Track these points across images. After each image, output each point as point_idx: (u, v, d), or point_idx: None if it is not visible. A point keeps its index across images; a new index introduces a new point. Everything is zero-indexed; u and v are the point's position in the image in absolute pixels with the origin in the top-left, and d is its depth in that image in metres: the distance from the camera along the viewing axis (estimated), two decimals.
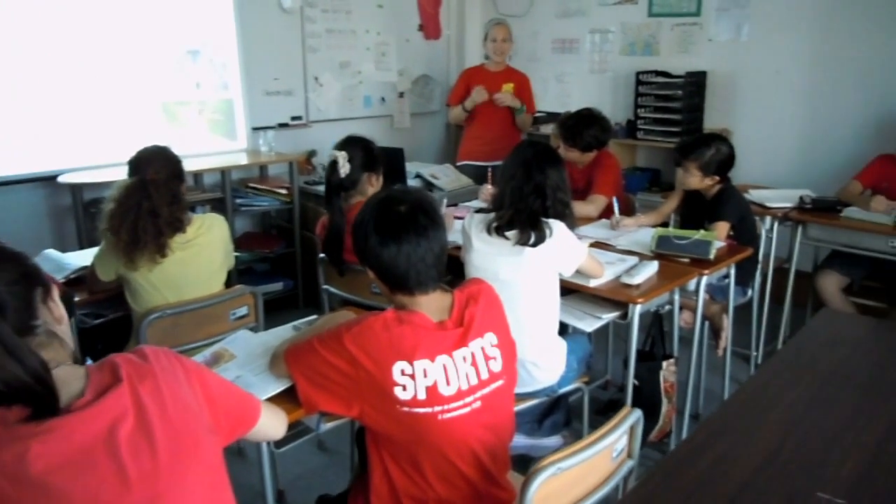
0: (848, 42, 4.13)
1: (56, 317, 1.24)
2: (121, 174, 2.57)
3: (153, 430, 1.15)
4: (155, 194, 2.33)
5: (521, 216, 2.27)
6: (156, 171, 2.38)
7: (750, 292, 3.37)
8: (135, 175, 2.41)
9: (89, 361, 1.26)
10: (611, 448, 1.55)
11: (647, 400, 2.75)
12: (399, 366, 1.52)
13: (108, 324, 2.59)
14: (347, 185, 2.68)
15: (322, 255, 2.85)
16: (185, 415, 1.21)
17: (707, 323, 3.25)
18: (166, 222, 2.35)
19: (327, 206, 2.74)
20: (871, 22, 4.03)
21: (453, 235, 2.86)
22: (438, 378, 1.54)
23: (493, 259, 2.32)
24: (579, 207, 3.22)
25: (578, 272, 2.43)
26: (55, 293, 1.25)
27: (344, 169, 2.65)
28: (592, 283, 2.50)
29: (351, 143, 2.74)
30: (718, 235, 2.95)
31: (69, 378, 1.15)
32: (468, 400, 1.58)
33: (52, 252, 2.84)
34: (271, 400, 1.68)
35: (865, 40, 4.06)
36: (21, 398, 1.07)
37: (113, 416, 1.12)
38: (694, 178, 3.11)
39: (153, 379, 1.19)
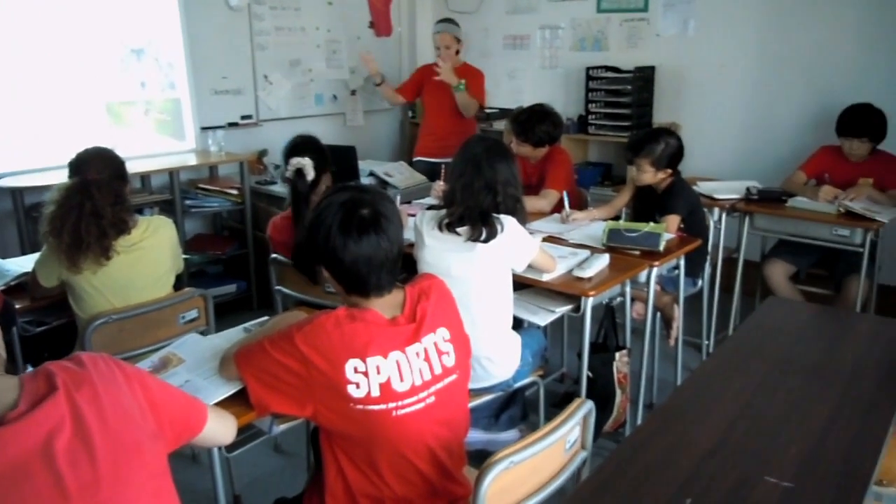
0: (791, 36, 4.24)
1: None
2: (64, 177, 2.51)
3: (92, 439, 1.12)
4: (97, 195, 2.27)
5: (472, 212, 2.27)
6: (97, 171, 2.33)
7: (700, 282, 3.44)
8: (76, 176, 2.35)
9: (30, 369, 1.22)
10: (564, 440, 1.57)
11: (602, 391, 2.79)
12: (352, 363, 1.50)
13: (52, 331, 2.52)
14: (311, 189, 2.66)
15: (274, 255, 2.82)
16: (125, 422, 1.18)
17: (658, 314, 3.30)
18: (110, 223, 2.29)
19: (296, 216, 2.69)
20: (813, 16, 4.14)
21: (406, 233, 2.85)
22: (392, 374, 1.53)
23: (445, 255, 2.32)
24: (532, 202, 3.24)
25: (531, 267, 2.44)
26: None
27: (310, 176, 2.64)
28: (545, 278, 2.51)
29: (307, 147, 2.72)
30: (669, 228, 2.99)
31: (1, 389, 1.11)
32: (422, 395, 1.57)
33: None
34: (222, 403, 1.66)
35: (807, 35, 4.18)
36: None
37: (49, 427, 1.09)
38: (647, 174, 3.16)
39: (91, 386, 1.16)
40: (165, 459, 1.27)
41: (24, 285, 2.51)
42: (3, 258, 2.81)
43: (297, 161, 2.66)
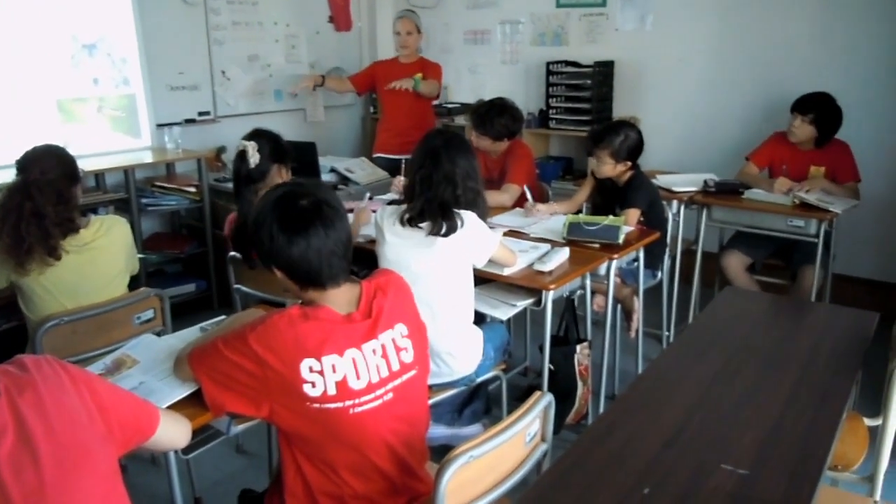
0: (747, 30, 4.31)
1: None
2: (11, 177, 2.43)
3: (36, 445, 1.09)
4: (37, 195, 2.21)
5: (432, 206, 2.26)
6: (42, 171, 2.27)
7: (659, 274, 3.48)
8: (21, 175, 2.29)
9: None
10: (524, 433, 1.57)
11: (563, 384, 2.80)
12: (307, 363, 1.49)
13: (2, 334, 2.45)
14: (256, 176, 2.61)
15: (232, 252, 2.78)
16: (71, 425, 1.15)
17: (619, 306, 3.33)
18: (53, 223, 2.24)
19: (237, 198, 2.67)
20: (770, 11, 4.20)
21: (368, 229, 2.84)
22: (348, 372, 1.52)
23: (406, 251, 2.31)
24: (493, 197, 3.25)
25: (492, 262, 2.44)
26: None
27: (253, 159, 2.59)
28: (506, 272, 2.52)
29: (259, 135, 2.69)
30: (629, 221, 3.02)
31: None
32: (379, 392, 1.56)
33: None
34: (178, 405, 1.63)
35: (763, 29, 4.24)
36: None
37: None
38: (607, 166, 3.18)
39: (34, 390, 1.13)
40: (116, 462, 1.25)
41: None
42: None
43: (241, 143, 2.63)
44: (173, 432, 1.47)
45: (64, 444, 1.13)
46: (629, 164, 3.18)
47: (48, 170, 2.29)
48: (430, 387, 2.22)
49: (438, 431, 2.75)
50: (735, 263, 3.68)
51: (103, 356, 1.91)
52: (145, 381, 1.73)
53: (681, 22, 4.54)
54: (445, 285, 2.31)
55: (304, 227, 1.52)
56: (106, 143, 4.38)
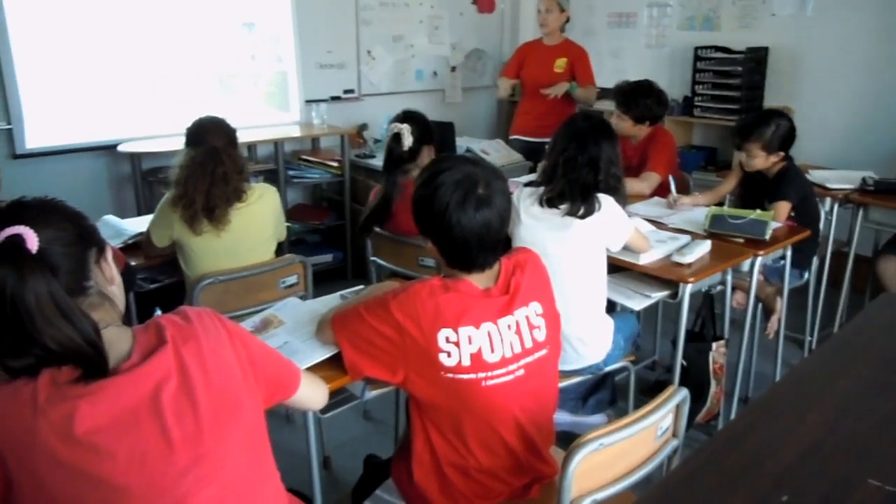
0: None
1: (108, 277, 1.24)
2: (178, 144, 2.62)
3: (195, 392, 1.16)
4: (227, 161, 2.39)
5: (573, 188, 2.25)
6: (217, 140, 2.43)
7: (807, 275, 3.28)
8: (193, 144, 2.46)
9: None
10: (656, 426, 1.54)
11: (695, 381, 2.71)
12: (444, 333, 1.52)
13: (163, 288, 2.66)
14: (407, 157, 2.72)
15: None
16: (226, 376, 1.22)
17: (760, 305, 3.18)
18: (233, 190, 2.41)
19: (386, 177, 2.78)
20: None
21: None
22: (483, 345, 1.54)
23: (541, 233, 2.30)
24: (632, 184, 3.17)
25: (625, 248, 2.39)
26: (108, 253, 1.26)
27: (407, 141, 2.70)
28: (642, 261, 2.46)
29: (410, 117, 2.79)
30: (779, 216, 2.87)
31: (117, 339, 1.16)
32: (512, 368, 1.58)
33: (111, 218, 2.92)
34: (317, 366, 1.70)
35: None
36: (72, 359, 1.09)
37: (157, 379, 1.14)
38: (758, 159, 3.02)
39: (196, 341, 1.20)
40: (262, 416, 1.31)
41: (138, 244, 2.65)
42: (121, 218, 2.98)
43: (395, 126, 2.73)
44: (312, 393, 1.52)
45: (219, 393, 1.19)
46: (781, 155, 3.01)
47: (217, 139, 2.45)
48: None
49: (561, 418, 2.74)
50: (892, 270, 3.40)
51: (251, 315, 2.03)
52: (289, 341, 1.83)
53: (844, 7, 4.22)
54: (579, 269, 2.29)
55: (475, 213, 1.54)
56: (259, 116, 4.65)
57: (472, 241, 1.55)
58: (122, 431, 1.10)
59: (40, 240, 1.09)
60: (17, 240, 1.08)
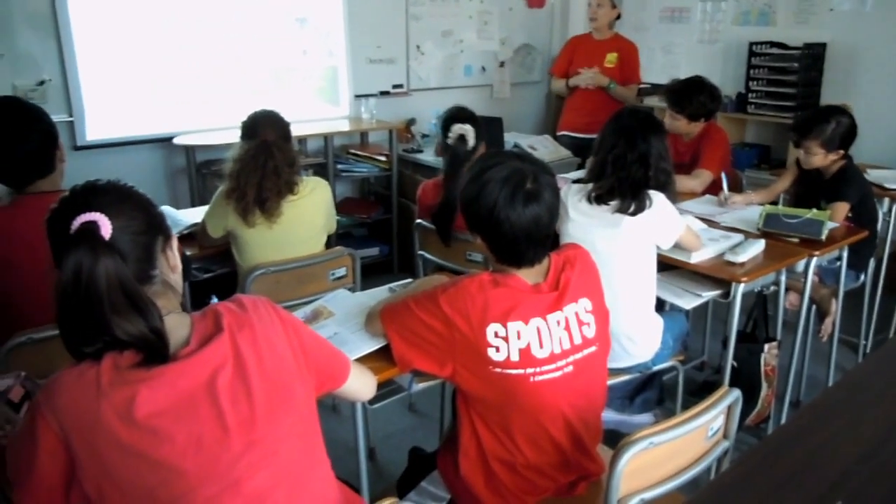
0: None
1: (172, 265, 1.27)
2: (231, 137, 2.68)
3: (250, 379, 1.18)
4: (278, 155, 2.43)
5: (623, 185, 2.23)
6: (270, 133, 2.47)
7: (863, 277, 3.20)
8: (248, 137, 2.50)
9: None
10: (707, 427, 1.52)
11: (746, 382, 2.66)
12: (493, 328, 1.53)
13: (217, 278, 2.72)
14: (469, 157, 2.72)
15: (419, 220, 2.89)
16: (280, 364, 1.24)
17: (814, 307, 3.10)
18: (285, 183, 2.45)
19: (451, 179, 2.74)
20: None
21: None
22: (532, 340, 1.54)
23: (590, 230, 2.28)
24: (683, 182, 3.13)
25: (676, 246, 2.36)
26: (174, 242, 1.29)
27: (472, 142, 2.72)
28: (693, 259, 2.42)
29: (471, 118, 2.80)
30: (836, 216, 2.80)
31: (177, 326, 1.19)
32: (560, 364, 1.58)
33: (167, 208, 2.98)
34: (366, 358, 1.72)
35: None
36: (136, 346, 1.12)
37: (214, 365, 1.16)
38: (817, 157, 2.94)
39: (251, 329, 1.22)
40: (314, 404, 1.33)
41: (193, 235, 2.71)
42: (176, 209, 3.05)
43: (460, 127, 2.74)
44: (361, 384, 1.53)
45: (272, 380, 1.21)
46: (841, 153, 2.93)
47: (272, 133, 2.49)
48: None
49: (607, 416, 2.70)
50: None
51: (301, 306, 2.06)
52: (339, 332, 1.85)
53: None
54: (628, 266, 2.27)
55: (524, 209, 1.54)
56: (309, 110, 4.70)
57: (521, 236, 1.55)
58: (180, 416, 1.13)
59: (113, 227, 1.12)
60: (92, 226, 1.10)
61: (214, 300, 1.39)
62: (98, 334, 1.11)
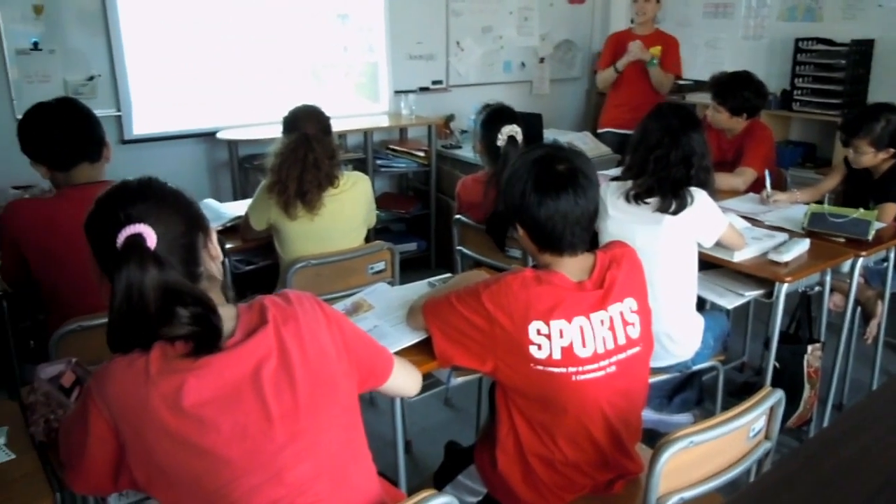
0: None
1: (213, 255, 1.29)
2: (273, 132, 2.71)
3: (294, 371, 1.20)
4: (318, 148, 2.46)
5: (664, 184, 2.20)
6: (310, 127, 2.50)
7: None
8: (289, 131, 2.54)
9: None
10: (748, 427, 1.50)
11: (788, 384, 2.61)
12: (535, 325, 1.52)
13: (258, 270, 2.77)
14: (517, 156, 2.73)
15: (458, 216, 2.89)
16: (323, 358, 1.26)
17: (859, 308, 3.04)
18: (325, 176, 2.47)
19: (498, 181, 2.74)
20: None
21: None
22: (574, 339, 1.54)
23: (630, 227, 2.26)
24: (726, 180, 3.09)
25: (719, 244, 2.33)
26: (213, 234, 1.31)
27: (521, 142, 2.73)
28: (736, 258, 2.39)
29: (516, 117, 2.80)
30: (885, 217, 2.74)
31: (224, 318, 1.21)
32: (603, 364, 1.57)
33: (211, 202, 3.05)
34: (404, 351, 1.73)
35: None
36: (188, 338, 1.16)
37: (259, 356, 1.19)
38: (867, 156, 2.89)
39: (295, 322, 1.24)
40: (356, 397, 1.34)
41: (236, 227, 2.76)
42: (220, 202, 3.10)
43: (510, 128, 2.75)
44: (404, 381, 1.54)
45: (316, 373, 1.23)
46: (891, 152, 2.87)
47: (313, 127, 2.52)
48: None
49: (645, 415, 2.67)
50: None
51: (341, 299, 2.09)
52: (379, 325, 1.87)
53: None
54: (669, 265, 2.25)
55: (557, 191, 1.54)
56: (349, 106, 4.74)
57: (557, 217, 1.55)
58: (226, 405, 1.15)
59: (157, 234, 1.14)
60: (139, 239, 1.13)
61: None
62: (150, 340, 1.15)
